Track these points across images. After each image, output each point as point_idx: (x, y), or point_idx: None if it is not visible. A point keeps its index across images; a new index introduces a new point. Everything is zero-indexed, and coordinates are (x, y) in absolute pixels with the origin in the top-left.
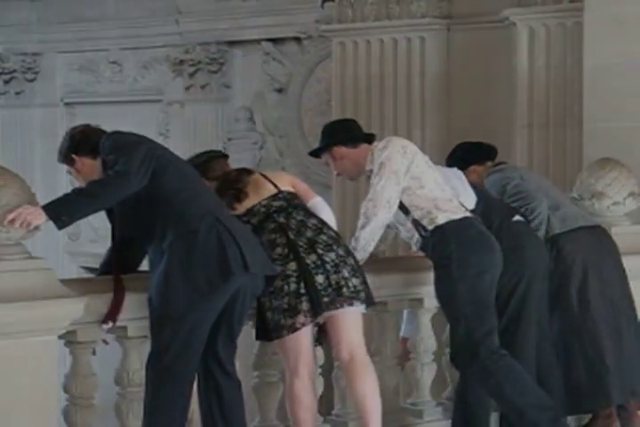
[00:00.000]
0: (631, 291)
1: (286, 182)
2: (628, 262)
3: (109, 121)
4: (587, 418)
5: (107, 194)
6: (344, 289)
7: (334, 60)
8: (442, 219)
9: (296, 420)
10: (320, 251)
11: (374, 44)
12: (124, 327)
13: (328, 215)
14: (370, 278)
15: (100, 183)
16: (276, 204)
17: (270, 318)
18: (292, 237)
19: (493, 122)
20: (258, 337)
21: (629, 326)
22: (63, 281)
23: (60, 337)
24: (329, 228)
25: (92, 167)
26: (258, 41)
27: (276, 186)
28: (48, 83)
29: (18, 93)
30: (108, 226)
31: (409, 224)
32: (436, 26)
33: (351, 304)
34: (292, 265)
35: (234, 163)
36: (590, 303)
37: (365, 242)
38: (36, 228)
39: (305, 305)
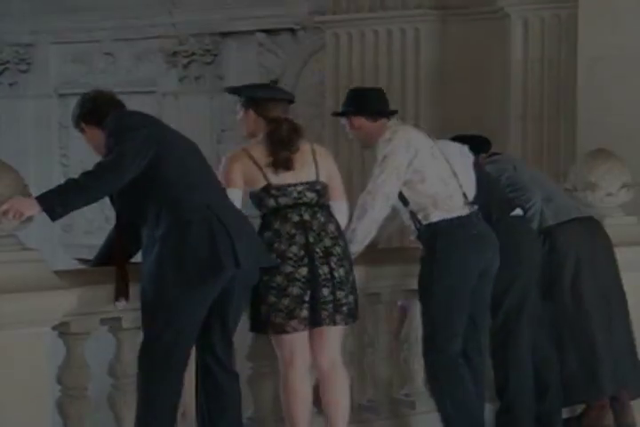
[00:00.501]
0: (622, 283)
1: (326, 171)
2: (620, 254)
3: None
4: (580, 409)
5: (99, 186)
6: (344, 307)
7: (328, 52)
8: (435, 217)
9: (290, 411)
10: (333, 264)
11: (368, 36)
12: (118, 318)
13: (342, 221)
14: (364, 269)
15: (93, 175)
16: (309, 195)
17: (264, 311)
18: (311, 240)
19: (487, 113)
20: (253, 329)
21: (621, 318)
22: (57, 272)
23: (54, 328)
24: (342, 237)
25: (100, 137)
26: (252, 32)
27: (317, 172)
28: (41, 74)
29: (11, 85)
30: (102, 218)
31: (407, 214)
32: (431, 17)
33: (346, 323)
34: (304, 270)
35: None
36: (583, 296)
37: (362, 235)
38: (29, 219)
39: (304, 313)
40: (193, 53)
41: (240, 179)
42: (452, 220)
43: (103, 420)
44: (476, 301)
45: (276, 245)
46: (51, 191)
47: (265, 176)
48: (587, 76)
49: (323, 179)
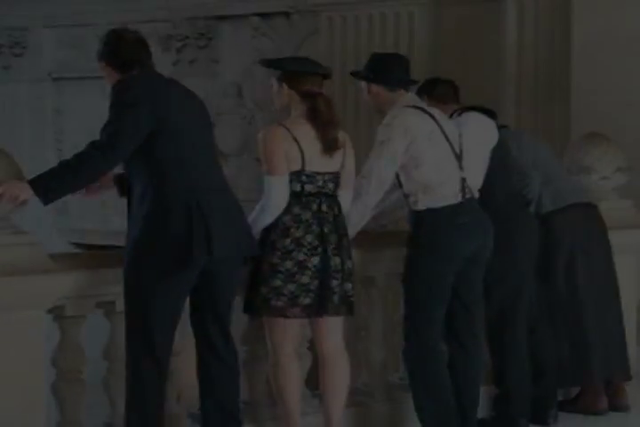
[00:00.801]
0: (616, 269)
1: (348, 161)
2: (615, 237)
3: (97, 97)
4: (575, 391)
5: (91, 170)
6: (351, 299)
7: (322, 36)
8: (421, 205)
9: (282, 393)
10: (344, 256)
11: (363, 19)
12: (113, 302)
13: (345, 210)
14: (359, 253)
15: (86, 158)
16: (330, 186)
17: (264, 292)
18: (326, 230)
19: (482, 97)
20: (246, 310)
21: (613, 304)
22: (51, 256)
23: (49, 312)
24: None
25: (116, 79)
26: (246, 16)
27: (343, 163)
28: (35, 58)
29: (5, 68)
30: (97, 202)
31: (402, 196)
32: (425, 1)
33: (350, 314)
34: (316, 260)
35: (223, 138)
36: (576, 282)
37: (356, 219)
38: (24, 202)
39: (307, 301)
40: (187, 37)
41: (286, 163)
42: (438, 209)
43: (97, 403)
44: (468, 287)
45: (292, 230)
46: (43, 175)
47: (303, 160)
48: (581, 59)
49: (343, 170)
